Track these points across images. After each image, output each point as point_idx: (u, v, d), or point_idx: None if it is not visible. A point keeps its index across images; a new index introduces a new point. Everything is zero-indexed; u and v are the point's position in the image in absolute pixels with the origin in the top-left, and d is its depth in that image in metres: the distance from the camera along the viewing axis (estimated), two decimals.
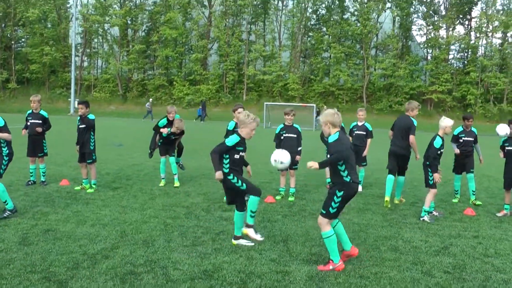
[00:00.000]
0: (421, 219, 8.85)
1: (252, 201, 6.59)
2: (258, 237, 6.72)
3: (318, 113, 46.11)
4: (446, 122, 8.91)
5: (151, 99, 51.67)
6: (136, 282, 5.25)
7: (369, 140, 11.83)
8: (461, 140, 10.69)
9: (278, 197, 10.43)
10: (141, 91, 62.90)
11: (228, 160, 6.58)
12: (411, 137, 9.86)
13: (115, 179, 11.97)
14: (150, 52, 64.28)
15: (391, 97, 58.79)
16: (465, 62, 60.98)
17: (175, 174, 11.37)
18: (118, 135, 24.61)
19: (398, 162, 10.17)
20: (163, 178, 11.43)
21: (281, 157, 6.59)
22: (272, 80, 60.66)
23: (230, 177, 6.53)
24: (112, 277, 5.35)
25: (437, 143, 8.84)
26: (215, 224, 8.01)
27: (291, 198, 10.40)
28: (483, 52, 60.47)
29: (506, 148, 9.65)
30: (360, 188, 11.44)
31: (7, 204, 7.87)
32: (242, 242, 6.82)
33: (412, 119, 10.00)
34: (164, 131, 11.00)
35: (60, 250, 6.24)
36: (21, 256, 5.96)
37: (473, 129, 10.84)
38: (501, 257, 6.88)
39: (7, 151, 8.04)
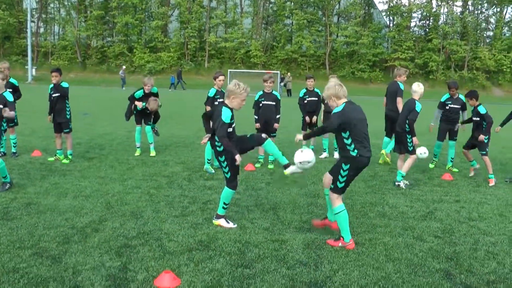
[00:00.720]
0: (396, 183, 8.92)
1: (226, 193, 6.19)
2: (231, 225, 6.24)
3: (282, 79, 46.07)
4: (422, 87, 8.92)
5: (124, 67, 50.34)
6: (133, 255, 5.09)
7: (322, 106, 11.66)
8: (447, 107, 10.67)
9: (257, 165, 10.36)
10: (100, 58, 61.26)
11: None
12: (398, 99, 10.51)
13: (88, 149, 11.60)
14: (109, 18, 62.47)
15: (353, 64, 59.28)
16: (427, 29, 61.88)
17: (151, 143, 11.10)
18: (82, 104, 23.86)
19: (392, 124, 10.46)
20: (138, 147, 11.15)
21: (306, 157, 5.88)
22: (234, 47, 60.12)
23: (222, 159, 6.07)
24: (107, 251, 5.18)
25: (419, 107, 8.76)
26: (200, 193, 7.88)
27: (270, 166, 10.35)
28: (444, 19, 61.42)
29: (473, 118, 9.77)
30: (323, 155, 11.81)
31: (6, 178, 7.63)
32: (223, 223, 6.30)
33: (400, 83, 10.68)
34: (139, 104, 10.65)
35: (46, 224, 6.00)
36: (6, 231, 5.68)
37: (460, 96, 10.73)
38: (485, 220, 7.05)
39: (4, 127, 7.77)
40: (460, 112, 10.72)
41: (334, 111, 5.70)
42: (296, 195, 8.03)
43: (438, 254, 5.60)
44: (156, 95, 10.88)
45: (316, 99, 11.49)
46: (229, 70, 46.29)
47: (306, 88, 11.66)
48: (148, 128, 10.93)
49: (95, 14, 59.36)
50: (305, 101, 11.56)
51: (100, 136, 13.82)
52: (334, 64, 60.75)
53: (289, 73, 48.37)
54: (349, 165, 5.60)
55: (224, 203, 6.22)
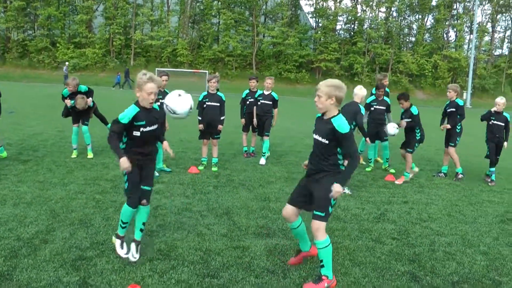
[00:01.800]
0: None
1: (124, 210, 5.07)
2: (123, 253, 5.04)
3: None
4: (364, 91, 9.10)
5: (67, 63, 47.97)
6: (91, 268, 4.76)
7: (276, 110, 11.44)
8: (372, 108, 10.83)
9: (200, 167, 10.13)
10: (21, 52, 57.94)
11: (126, 139, 4.94)
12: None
13: (21, 150, 10.84)
14: (31, 10, 59.13)
15: (280, 64, 60.02)
16: (352, 33, 63.84)
17: (88, 144, 10.57)
18: (4, 101, 22.37)
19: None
20: (75, 149, 10.57)
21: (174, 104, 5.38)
22: (161, 46, 59.11)
23: None
24: (61, 264, 4.80)
25: (363, 109, 8.95)
26: None
27: (214, 168, 10.15)
28: (369, 24, 63.68)
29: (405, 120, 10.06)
30: (262, 161, 11.05)
31: None
32: (117, 246, 5.19)
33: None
34: (67, 103, 10.14)
35: None
36: None
37: (385, 98, 10.95)
38: (436, 221, 7.29)
39: None
40: (385, 113, 10.87)
41: (344, 122, 4.58)
42: (246, 199, 7.90)
43: (400, 257, 5.70)
44: (87, 93, 10.29)
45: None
46: (156, 69, 45.31)
47: (249, 89, 11.60)
48: (85, 128, 10.39)
49: (15, 4, 55.96)
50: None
51: (30, 136, 12.98)
52: (261, 64, 61.24)
53: (217, 73, 48.06)
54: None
55: (122, 222, 5.08)
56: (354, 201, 8.14)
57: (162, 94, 9.30)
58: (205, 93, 10.07)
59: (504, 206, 8.52)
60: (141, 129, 4.88)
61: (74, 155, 10.48)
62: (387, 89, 11.24)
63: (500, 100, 10.32)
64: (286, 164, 11.07)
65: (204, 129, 10.02)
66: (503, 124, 10.41)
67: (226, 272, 4.92)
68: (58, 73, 51.11)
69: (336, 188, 4.47)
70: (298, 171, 10.34)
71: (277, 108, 11.42)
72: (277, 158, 11.86)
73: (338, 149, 4.63)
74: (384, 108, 10.88)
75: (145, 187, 5.09)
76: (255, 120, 11.42)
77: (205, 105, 9.99)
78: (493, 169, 10.55)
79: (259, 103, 11.32)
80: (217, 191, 8.30)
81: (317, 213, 4.57)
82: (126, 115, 4.79)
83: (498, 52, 70.13)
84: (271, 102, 11.27)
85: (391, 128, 9.79)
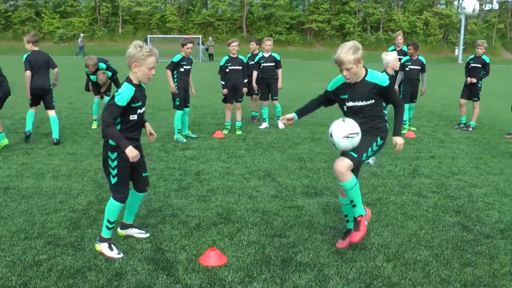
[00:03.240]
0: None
1: (111, 207, 4.36)
2: (115, 254, 4.31)
3: (202, 44, 45.22)
4: (387, 57, 7.58)
5: (82, 35, 46.83)
6: (159, 235, 4.71)
7: (279, 71, 10.83)
8: (407, 69, 10.51)
9: (225, 132, 10.07)
10: (4, 24, 56.45)
11: (119, 126, 4.20)
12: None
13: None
14: None
15: (271, 26, 59.30)
16: None
17: None
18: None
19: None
20: (95, 120, 10.44)
21: (352, 128, 4.28)
22: (149, 12, 58.02)
23: (112, 156, 4.25)
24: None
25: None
26: (185, 164, 7.50)
27: (238, 132, 10.10)
28: None
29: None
30: (280, 125, 10.76)
31: None
32: (105, 249, 4.37)
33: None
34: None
35: (41, 209, 5.38)
36: (2, 223, 5.06)
37: (420, 57, 10.59)
38: (466, 174, 7.36)
39: None
40: (420, 73, 10.60)
41: (380, 75, 4.35)
42: (282, 160, 7.90)
43: (445, 209, 5.76)
44: (109, 70, 10.16)
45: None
46: (148, 36, 44.61)
47: (252, 53, 10.96)
48: (107, 99, 10.26)
49: None
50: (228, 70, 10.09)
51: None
52: (251, 27, 60.49)
53: (210, 37, 47.52)
54: (383, 140, 4.42)
55: (109, 221, 4.36)
56: (385, 158, 8.14)
57: (187, 60, 9.18)
58: (227, 57, 9.90)
59: None
60: (138, 111, 4.26)
61: (94, 125, 10.36)
62: (404, 47, 11.08)
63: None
64: (307, 125, 10.99)
65: (229, 93, 9.89)
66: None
67: (291, 231, 4.92)
68: (46, 44, 50.00)
69: (399, 141, 4.38)
70: (320, 131, 10.32)
71: (280, 68, 10.80)
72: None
73: (383, 104, 4.42)
74: (419, 67, 10.52)
75: (145, 174, 4.60)
76: (254, 84, 10.71)
77: (227, 70, 9.83)
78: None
79: (261, 66, 10.63)
80: (250, 154, 8.27)
81: (351, 153, 4.22)
82: (124, 96, 4.10)
83: (488, 7, 69.90)
84: (273, 64, 10.63)
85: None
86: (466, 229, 5.12)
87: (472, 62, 10.77)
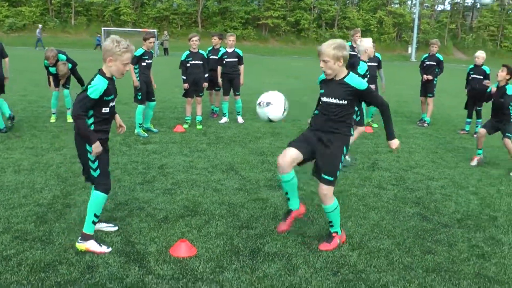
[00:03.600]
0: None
1: (96, 200, 4.36)
2: (105, 248, 4.29)
3: (157, 38, 44.71)
4: (365, 43, 7.60)
5: (40, 26, 44.93)
6: (128, 228, 4.77)
7: (242, 67, 10.85)
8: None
9: (185, 126, 10.12)
10: None
11: (92, 119, 4.25)
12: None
13: None
14: None
15: (226, 21, 59.33)
16: None
17: (69, 108, 10.26)
18: None
19: None
20: (54, 113, 10.26)
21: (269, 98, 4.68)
22: (102, 4, 56.93)
23: (90, 149, 4.24)
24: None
25: (362, 69, 7.42)
26: (147, 158, 7.53)
27: (199, 126, 10.17)
28: None
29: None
30: (240, 120, 11.03)
31: None
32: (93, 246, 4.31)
33: None
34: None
35: (5, 204, 5.31)
36: None
37: (376, 54, 10.62)
38: (424, 167, 7.74)
39: None
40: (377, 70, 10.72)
41: (358, 79, 4.41)
42: (243, 154, 8.04)
43: (405, 200, 6.07)
44: (69, 62, 9.97)
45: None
46: (102, 28, 43.74)
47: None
48: (66, 92, 10.12)
49: None
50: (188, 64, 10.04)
51: None
52: (206, 22, 60.34)
53: (166, 32, 47.05)
54: (345, 146, 4.45)
55: (95, 215, 4.35)
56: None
57: (148, 54, 9.21)
58: (188, 52, 9.93)
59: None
60: (110, 104, 4.30)
61: (52, 119, 10.18)
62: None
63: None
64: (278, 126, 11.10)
65: (189, 88, 9.94)
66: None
67: (258, 222, 5.08)
68: None
69: (394, 145, 4.53)
70: (280, 125, 10.48)
71: (243, 64, 10.85)
72: (255, 114, 11.85)
73: (355, 108, 4.52)
74: (376, 64, 10.59)
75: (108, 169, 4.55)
76: (220, 80, 10.76)
77: (188, 64, 9.87)
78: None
79: (224, 62, 10.63)
80: (212, 148, 8.38)
81: (326, 177, 4.33)
82: (97, 88, 4.11)
83: (440, 7, 72.25)
84: (236, 59, 10.65)
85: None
86: (426, 219, 5.42)
87: (426, 60, 11.31)
